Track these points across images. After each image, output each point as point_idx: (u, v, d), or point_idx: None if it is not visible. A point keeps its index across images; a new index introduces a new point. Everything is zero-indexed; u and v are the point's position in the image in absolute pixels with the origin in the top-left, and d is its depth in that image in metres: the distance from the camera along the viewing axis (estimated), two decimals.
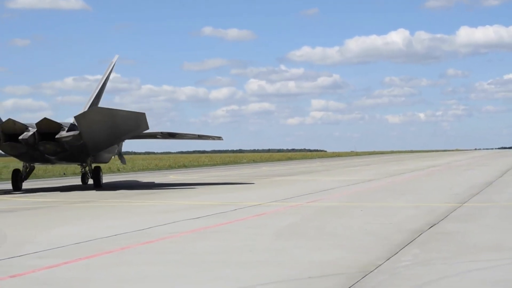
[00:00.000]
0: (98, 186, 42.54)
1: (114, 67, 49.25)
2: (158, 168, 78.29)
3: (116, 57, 49.91)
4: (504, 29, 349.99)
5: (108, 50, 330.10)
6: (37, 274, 13.23)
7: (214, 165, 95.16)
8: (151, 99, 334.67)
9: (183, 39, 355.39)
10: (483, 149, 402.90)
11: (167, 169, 74.59)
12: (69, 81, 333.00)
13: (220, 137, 51.18)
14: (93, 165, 43.91)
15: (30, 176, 44.04)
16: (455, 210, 24.07)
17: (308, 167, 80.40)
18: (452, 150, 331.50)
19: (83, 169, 44.58)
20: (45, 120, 39.43)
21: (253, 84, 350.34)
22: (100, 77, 47.45)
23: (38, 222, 23.31)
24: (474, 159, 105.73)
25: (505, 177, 46.15)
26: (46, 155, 40.58)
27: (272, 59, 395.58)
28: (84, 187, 43.75)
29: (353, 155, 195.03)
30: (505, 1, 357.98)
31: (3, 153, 43.67)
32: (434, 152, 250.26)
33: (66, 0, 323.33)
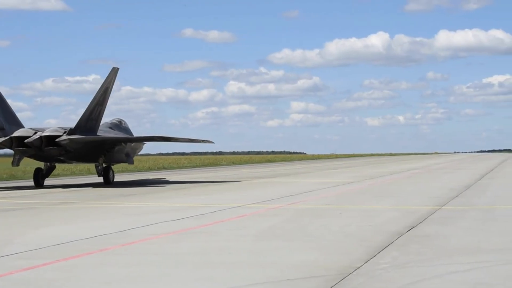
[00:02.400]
0: (108, 183, 46.99)
1: (114, 79, 48.72)
2: (137, 170, 78.07)
3: (115, 69, 48.72)
4: (483, 33, 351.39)
5: (88, 52, 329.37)
6: (18, 275, 13.24)
7: (193, 167, 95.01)
8: (131, 101, 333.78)
9: (164, 41, 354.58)
10: (462, 152, 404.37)
11: (146, 171, 74.47)
12: (48, 82, 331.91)
13: (210, 141, 54.08)
14: (104, 165, 47.92)
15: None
16: (434, 212, 24.22)
17: (288, 169, 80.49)
18: (432, 153, 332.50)
19: (98, 168, 48.15)
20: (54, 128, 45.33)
21: (233, 86, 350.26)
22: (99, 87, 47.72)
23: (18, 224, 23.25)
24: (453, 162, 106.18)
25: (483, 180, 46.41)
26: (56, 156, 45.09)
27: (252, 61, 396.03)
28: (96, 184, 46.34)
29: (333, 158, 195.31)
30: (484, 6, 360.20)
31: None
32: (413, 155, 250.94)
33: (46, 1, 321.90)
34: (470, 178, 49.94)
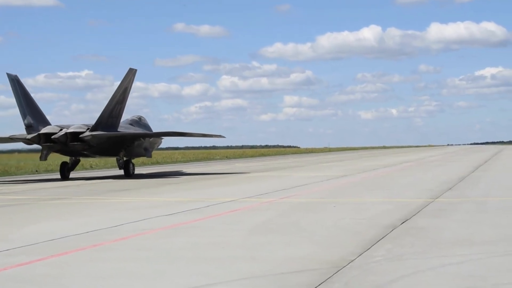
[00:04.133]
0: (128, 175, 50.75)
1: (133, 79, 51.81)
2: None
3: (133, 70, 51.48)
4: (475, 25, 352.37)
5: (80, 47, 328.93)
6: (11, 271, 13.21)
7: (187, 161, 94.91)
8: None
9: (156, 36, 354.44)
10: (456, 144, 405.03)
11: (140, 165, 74.35)
12: (41, 78, 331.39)
13: (221, 135, 57.28)
14: (125, 158, 51.78)
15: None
16: (427, 205, 24.23)
17: (282, 163, 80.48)
18: (425, 146, 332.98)
19: (119, 161, 52.10)
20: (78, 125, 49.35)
21: (226, 81, 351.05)
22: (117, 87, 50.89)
23: (10, 220, 23.19)
24: (447, 155, 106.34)
25: (477, 173, 46.47)
26: (80, 151, 49.06)
27: (245, 55, 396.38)
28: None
29: (326, 151, 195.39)
30: None
31: None
32: (407, 148, 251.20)
33: None
34: (463, 170, 49.99)
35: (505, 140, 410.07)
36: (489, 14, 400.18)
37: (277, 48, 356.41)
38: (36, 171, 64.04)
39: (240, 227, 19.05)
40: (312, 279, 11.96)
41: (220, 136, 57.14)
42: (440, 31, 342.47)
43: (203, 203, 26.33)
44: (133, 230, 18.77)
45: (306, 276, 12.28)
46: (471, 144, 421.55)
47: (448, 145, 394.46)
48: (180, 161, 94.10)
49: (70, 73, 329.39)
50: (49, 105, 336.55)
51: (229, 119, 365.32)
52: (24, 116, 48.41)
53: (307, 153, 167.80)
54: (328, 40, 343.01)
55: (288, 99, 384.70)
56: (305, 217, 21.29)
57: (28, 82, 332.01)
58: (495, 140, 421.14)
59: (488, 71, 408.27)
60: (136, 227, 19.57)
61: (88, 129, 48.64)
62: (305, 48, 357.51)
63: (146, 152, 54.81)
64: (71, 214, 24.52)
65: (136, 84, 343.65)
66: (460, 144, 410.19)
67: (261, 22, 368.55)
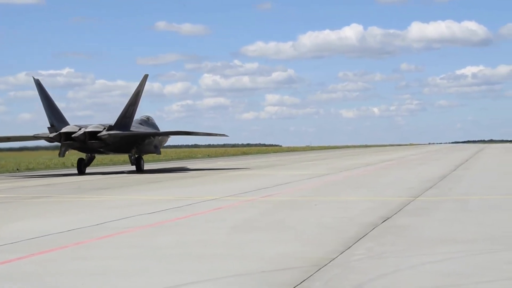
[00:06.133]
0: (139, 170, 56.02)
1: (144, 84, 57.54)
2: (112, 163, 77.86)
3: (146, 76, 57.52)
4: (456, 24, 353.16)
5: (61, 45, 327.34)
6: None
7: (168, 160, 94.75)
8: (105, 94, 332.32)
9: (137, 34, 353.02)
10: (437, 143, 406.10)
11: (121, 164, 74.19)
12: (22, 76, 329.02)
13: (225, 134, 62.65)
14: (136, 155, 57.46)
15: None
16: (409, 203, 24.36)
17: (264, 161, 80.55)
18: (406, 145, 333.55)
19: (131, 158, 59.07)
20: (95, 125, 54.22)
21: (208, 79, 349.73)
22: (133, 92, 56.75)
23: None
24: (428, 154, 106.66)
25: (458, 171, 46.69)
26: (97, 148, 54.09)
27: (226, 54, 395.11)
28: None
29: (308, 150, 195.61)
30: None
31: None
32: (388, 147, 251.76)
33: None
34: (445, 169, 50.21)
35: (486, 139, 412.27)
36: (470, 13, 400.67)
37: (258, 46, 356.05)
38: (17, 169, 64.03)
39: (223, 225, 19.12)
40: (295, 277, 12.05)
41: (223, 135, 62.40)
42: (422, 30, 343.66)
43: (186, 201, 26.38)
44: (117, 228, 18.80)
45: (288, 274, 12.36)
46: (452, 143, 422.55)
47: (429, 143, 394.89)
48: (162, 160, 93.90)
49: (51, 71, 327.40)
50: (30, 103, 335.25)
51: (211, 118, 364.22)
52: (48, 117, 53.96)
53: (289, 151, 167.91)
54: (309, 39, 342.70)
55: (270, 97, 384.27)
56: (288, 216, 21.38)
57: (9, 81, 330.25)
58: (476, 139, 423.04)
59: (469, 70, 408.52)
60: (119, 225, 19.60)
61: (104, 128, 53.50)
62: (286, 47, 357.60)
63: (156, 149, 59.97)
64: (55, 212, 24.51)
65: (118, 82, 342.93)
66: (441, 143, 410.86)
67: (243, 20, 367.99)
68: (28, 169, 65.22)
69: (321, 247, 15.20)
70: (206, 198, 27.80)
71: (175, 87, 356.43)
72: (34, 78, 54.88)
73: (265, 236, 17.16)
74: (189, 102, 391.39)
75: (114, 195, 31.03)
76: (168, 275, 12.44)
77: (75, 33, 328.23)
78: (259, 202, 25.97)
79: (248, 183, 38.08)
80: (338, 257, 13.83)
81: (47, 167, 68.52)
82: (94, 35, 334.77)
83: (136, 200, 28.18)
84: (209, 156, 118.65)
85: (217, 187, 35.03)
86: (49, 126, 54.18)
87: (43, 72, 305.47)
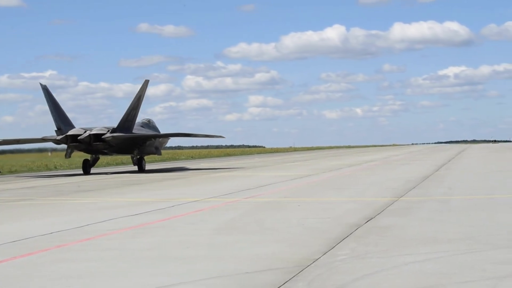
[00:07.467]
0: (141, 170, 58.74)
1: (145, 88, 60.10)
2: (96, 165, 77.60)
3: (146, 81, 60.47)
4: (439, 25, 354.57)
5: (44, 47, 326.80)
6: None
7: (151, 161, 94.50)
8: (88, 96, 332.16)
9: (120, 36, 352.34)
10: (420, 144, 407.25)
11: (104, 166, 73.97)
12: (4, 78, 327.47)
13: (222, 136, 65.88)
14: (138, 156, 59.97)
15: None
16: (392, 204, 24.35)
17: (247, 163, 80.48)
18: (389, 145, 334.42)
19: (134, 159, 61.13)
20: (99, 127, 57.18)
21: (191, 81, 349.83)
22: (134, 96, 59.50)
23: None
24: (411, 154, 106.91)
25: (441, 171, 46.78)
26: (101, 150, 56.93)
27: (210, 56, 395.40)
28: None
29: (291, 151, 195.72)
30: None
31: None
32: (371, 147, 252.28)
33: None
34: (428, 169, 50.30)
35: (468, 139, 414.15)
36: (452, 14, 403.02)
37: (241, 48, 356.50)
38: (0, 172, 63.79)
39: (205, 227, 19.04)
40: (277, 278, 11.98)
41: (220, 136, 65.61)
42: (404, 31, 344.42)
43: (168, 203, 26.27)
44: (98, 231, 18.68)
45: (271, 275, 12.29)
46: (435, 143, 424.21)
47: (412, 144, 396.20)
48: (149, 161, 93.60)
49: (34, 74, 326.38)
50: (12, 106, 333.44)
51: (194, 119, 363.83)
52: (55, 121, 56.56)
53: (272, 152, 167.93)
54: (292, 40, 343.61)
55: (253, 99, 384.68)
56: (270, 216, 21.31)
57: None
58: (459, 139, 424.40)
59: (451, 71, 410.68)
60: (100, 227, 19.47)
61: (108, 131, 56.42)
62: (269, 48, 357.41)
63: (157, 151, 63.04)
64: (36, 215, 24.35)
65: (100, 84, 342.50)
66: (424, 143, 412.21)
67: (226, 22, 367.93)
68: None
69: (305, 247, 15.14)
70: (188, 199, 27.69)
71: (158, 89, 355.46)
72: (41, 84, 57.14)
73: (248, 237, 17.09)
74: (172, 103, 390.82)
75: (97, 198, 30.87)
76: (148, 277, 12.35)
77: (58, 35, 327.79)
78: (242, 203, 25.89)
79: (231, 184, 38.00)
80: (322, 257, 13.78)
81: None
82: (77, 37, 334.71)
83: (118, 203, 28.01)
84: (192, 157, 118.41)
85: (200, 189, 34.92)
86: (56, 129, 56.79)
87: (26, 75, 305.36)
